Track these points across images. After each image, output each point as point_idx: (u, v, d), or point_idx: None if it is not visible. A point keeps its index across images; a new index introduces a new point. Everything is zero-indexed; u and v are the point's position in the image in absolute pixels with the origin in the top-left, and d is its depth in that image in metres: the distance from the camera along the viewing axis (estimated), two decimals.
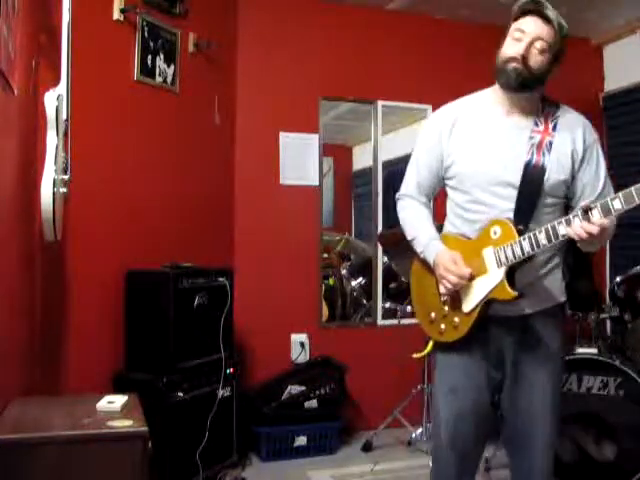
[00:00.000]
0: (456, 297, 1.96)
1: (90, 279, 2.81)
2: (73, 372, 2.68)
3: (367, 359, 3.98)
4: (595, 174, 1.93)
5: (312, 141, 4.05)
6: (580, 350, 2.94)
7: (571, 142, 1.92)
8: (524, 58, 1.84)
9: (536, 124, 1.93)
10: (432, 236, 2.02)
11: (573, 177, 1.92)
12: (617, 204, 1.68)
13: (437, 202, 2.37)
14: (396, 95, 4.22)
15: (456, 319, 1.96)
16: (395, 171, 4.31)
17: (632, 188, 1.66)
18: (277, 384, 3.67)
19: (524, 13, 1.87)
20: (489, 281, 1.87)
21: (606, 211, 1.68)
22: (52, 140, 2.22)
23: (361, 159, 4.61)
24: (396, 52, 4.20)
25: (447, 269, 1.91)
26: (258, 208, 3.93)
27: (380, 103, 4.20)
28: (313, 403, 3.58)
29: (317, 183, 4.06)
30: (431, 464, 2.14)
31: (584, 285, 3.47)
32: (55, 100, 2.21)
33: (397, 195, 2.21)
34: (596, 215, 1.68)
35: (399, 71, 4.20)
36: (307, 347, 3.96)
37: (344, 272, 4.48)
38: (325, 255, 4.25)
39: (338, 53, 4.09)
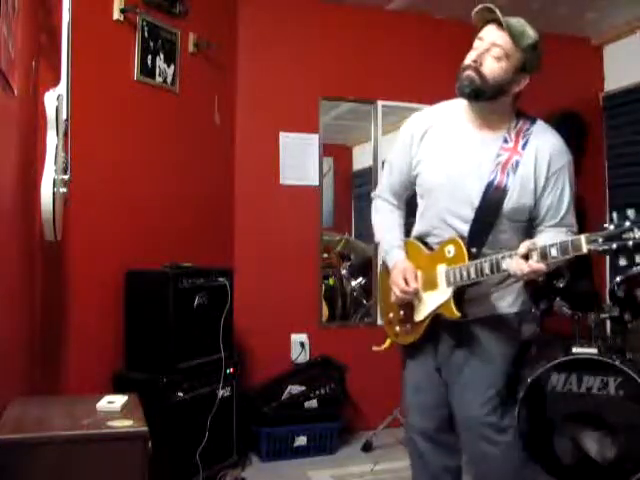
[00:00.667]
0: (410, 305, 2.03)
1: (90, 279, 2.81)
2: (73, 372, 2.69)
3: (367, 359, 3.97)
4: (559, 200, 1.90)
5: (312, 141, 4.04)
6: (580, 350, 2.94)
7: (537, 166, 1.88)
8: (478, 64, 1.82)
9: (505, 141, 1.89)
10: (395, 243, 2.08)
11: (535, 201, 1.90)
12: (554, 252, 1.68)
13: None
14: (396, 95, 4.22)
15: (408, 325, 2.06)
16: None
17: (569, 240, 1.66)
18: (277, 384, 3.67)
19: (485, 22, 1.87)
20: (438, 297, 1.94)
21: (543, 256, 1.70)
22: (52, 140, 2.22)
23: (361, 159, 4.60)
24: (396, 52, 4.20)
25: (396, 283, 1.99)
26: (258, 208, 3.93)
27: (380, 103, 4.20)
28: (313, 403, 3.58)
29: (317, 183, 4.05)
30: (409, 459, 2.21)
31: (584, 285, 3.48)
32: (55, 100, 2.21)
33: (372, 194, 2.25)
34: (535, 258, 1.71)
35: (399, 71, 4.20)
36: (307, 347, 3.96)
37: (344, 272, 4.48)
38: (325, 255, 4.25)
39: (338, 53, 4.09)
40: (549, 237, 1.81)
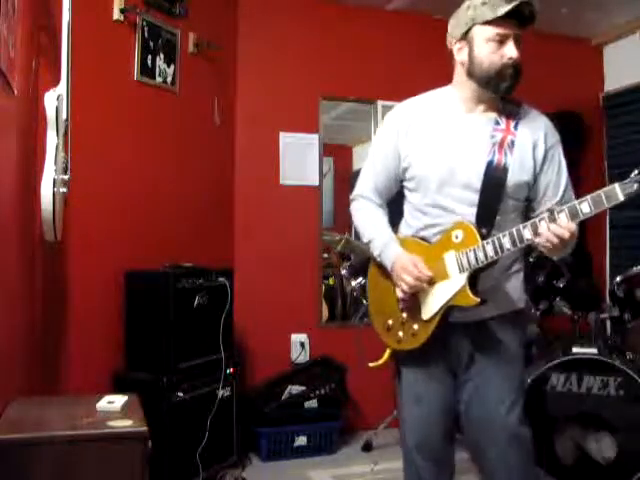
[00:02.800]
0: (415, 304, 1.90)
1: (90, 279, 2.81)
2: (73, 372, 2.69)
3: (367, 359, 3.98)
4: (557, 175, 1.88)
5: (312, 141, 4.04)
6: (580, 350, 2.93)
7: (533, 142, 1.86)
8: (518, 60, 1.79)
9: (497, 122, 1.87)
10: (389, 239, 1.96)
11: (535, 178, 1.87)
12: (585, 208, 1.62)
13: None
14: (396, 95, 4.18)
15: (415, 326, 1.90)
16: None
17: (601, 191, 1.61)
18: (277, 384, 3.67)
19: (501, 17, 1.76)
20: (450, 287, 1.82)
21: (574, 215, 1.64)
22: (52, 140, 2.22)
23: (361, 159, 4.60)
24: (396, 52, 4.20)
25: (406, 270, 1.84)
26: (258, 208, 3.93)
27: (380, 103, 4.20)
28: (313, 403, 3.58)
29: (317, 183, 4.06)
30: (403, 472, 2.11)
31: (584, 285, 3.48)
32: (55, 100, 2.21)
33: (351, 196, 2.11)
34: (563, 219, 1.63)
35: (399, 71, 4.19)
36: (307, 347, 3.96)
37: (344, 272, 4.47)
38: (325, 255, 4.25)
39: (338, 53, 4.09)
40: None
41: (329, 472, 3.35)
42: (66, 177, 2.35)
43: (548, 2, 3.93)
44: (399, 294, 1.91)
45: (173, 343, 2.83)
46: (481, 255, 1.76)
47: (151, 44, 3.16)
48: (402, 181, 2.02)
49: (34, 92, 2.37)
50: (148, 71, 3.16)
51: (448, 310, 1.84)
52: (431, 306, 1.86)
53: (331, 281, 4.34)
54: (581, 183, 2.97)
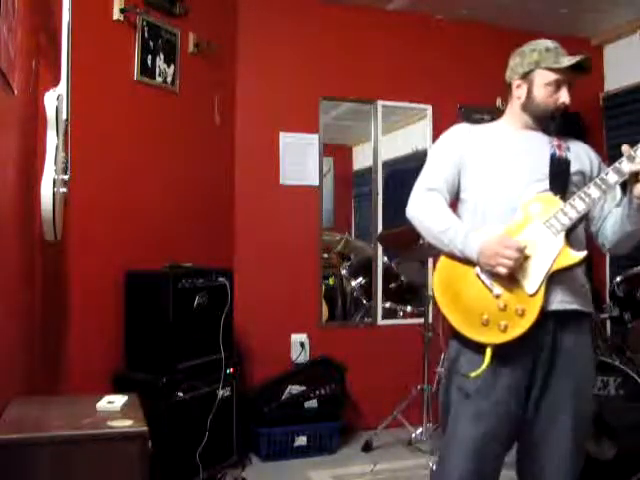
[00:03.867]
0: (514, 284, 1.82)
1: (90, 279, 2.81)
2: (73, 372, 2.68)
3: (367, 359, 3.98)
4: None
5: (312, 141, 4.05)
6: None
7: (585, 153, 2.00)
8: (569, 105, 1.95)
9: (549, 141, 1.98)
10: (469, 228, 1.91)
11: (591, 179, 1.90)
12: None
13: None
14: (396, 95, 4.22)
15: (520, 306, 1.80)
16: (396, 171, 4.32)
17: None
18: (277, 384, 3.67)
19: (568, 68, 1.94)
20: (548, 253, 1.80)
21: None
22: (52, 140, 2.22)
23: (361, 159, 4.61)
24: (396, 52, 4.20)
25: (503, 245, 1.79)
26: (258, 208, 3.93)
27: (380, 103, 4.20)
28: (313, 403, 3.58)
29: (317, 183, 4.06)
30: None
31: None
32: (55, 100, 2.21)
33: (419, 189, 2.00)
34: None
35: (399, 71, 4.20)
36: (307, 347, 3.96)
37: (344, 272, 4.48)
38: (325, 255, 4.25)
39: (338, 53, 4.09)
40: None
41: (329, 472, 3.35)
42: (66, 177, 2.35)
43: (548, 2, 3.94)
44: (501, 270, 1.80)
45: (173, 343, 2.83)
46: (571, 211, 1.80)
47: (151, 44, 3.16)
48: (459, 186, 2.02)
49: (34, 92, 2.37)
50: (148, 71, 3.16)
51: (551, 279, 1.80)
52: (534, 277, 1.81)
53: (331, 281, 4.35)
54: None
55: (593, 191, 1.78)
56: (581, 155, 1.98)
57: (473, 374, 1.82)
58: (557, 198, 1.83)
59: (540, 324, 1.81)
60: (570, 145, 1.98)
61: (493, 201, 1.92)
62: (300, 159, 4.01)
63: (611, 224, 1.91)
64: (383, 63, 4.18)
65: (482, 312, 1.84)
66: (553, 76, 1.94)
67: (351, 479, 3.29)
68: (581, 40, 4.52)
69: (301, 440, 3.52)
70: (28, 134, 2.32)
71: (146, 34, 3.12)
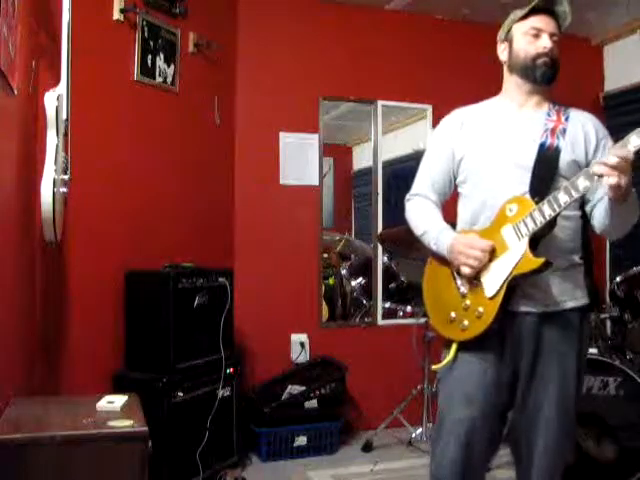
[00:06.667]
0: (477, 285, 1.87)
1: (90, 279, 2.81)
2: (73, 372, 2.68)
3: (367, 359, 3.98)
4: None
5: (312, 141, 4.04)
6: None
7: (584, 132, 1.93)
8: (552, 51, 1.91)
9: (548, 114, 1.95)
10: (444, 228, 1.97)
11: (587, 164, 1.87)
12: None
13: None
14: (396, 95, 4.22)
15: (480, 308, 1.85)
16: (396, 171, 4.32)
17: None
18: (277, 384, 3.67)
19: (534, 12, 1.92)
20: (512, 256, 1.80)
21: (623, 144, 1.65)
22: (52, 140, 2.22)
23: (361, 159, 4.61)
24: (396, 52, 4.20)
25: (469, 245, 1.85)
26: (258, 208, 3.93)
27: (380, 103, 4.20)
28: (313, 403, 3.58)
29: (317, 183, 4.05)
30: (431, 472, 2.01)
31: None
32: (55, 100, 2.21)
33: (407, 196, 2.13)
34: (634, 141, 1.63)
35: (399, 71, 4.20)
36: (307, 347, 3.96)
37: (344, 272, 4.48)
38: (325, 255, 4.25)
39: (338, 53, 4.09)
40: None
41: (329, 472, 3.35)
42: (66, 177, 2.35)
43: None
44: (465, 271, 1.87)
45: (173, 343, 2.83)
46: (538, 216, 1.77)
47: (151, 44, 3.16)
48: (456, 181, 2.05)
49: (34, 92, 2.37)
50: (148, 71, 3.16)
51: (512, 284, 1.81)
52: (494, 281, 1.83)
53: (331, 281, 4.35)
54: None
55: (562, 196, 1.74)
56: (578, 137, 1.91)
57: (434, 367, 1.98)
58: (531, 201, 1.80)
59: (520, 323, 1.87)
60: (570, 120, 1.93)
61: (487, 191, 1.93)
62: (300, 159, 4.01)
63: (600, 211, 1.88)
64: (383, 63, 4.18)
65: (450, 310, 1.93)
66: (528, 23, 1.94)
67: (351, 479, 3.29)
68: (581, 40, 4.52)
69: (301, 440, 3.52)
70: (28, 134, 2.32)
71: (146, 34, 3.12)
